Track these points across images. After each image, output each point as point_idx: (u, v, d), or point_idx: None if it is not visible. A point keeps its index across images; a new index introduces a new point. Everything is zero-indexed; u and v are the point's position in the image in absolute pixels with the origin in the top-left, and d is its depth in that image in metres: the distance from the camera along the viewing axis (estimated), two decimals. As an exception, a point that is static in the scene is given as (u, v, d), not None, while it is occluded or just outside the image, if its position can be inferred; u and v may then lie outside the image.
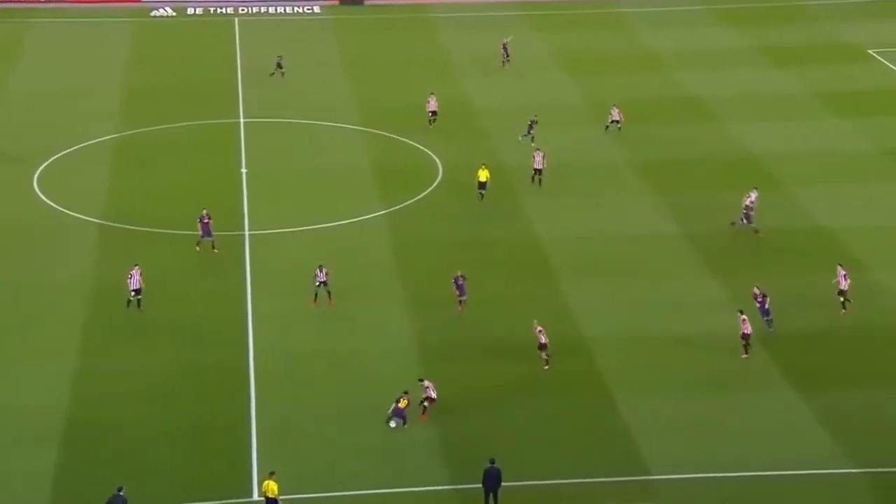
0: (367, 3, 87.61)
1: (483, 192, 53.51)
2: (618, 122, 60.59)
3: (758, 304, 42.56)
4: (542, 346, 40.88)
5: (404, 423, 37.74)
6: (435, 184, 56.16)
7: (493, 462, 34.84)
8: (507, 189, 54.88)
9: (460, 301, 44.52)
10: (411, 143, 60.95)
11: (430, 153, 59.58)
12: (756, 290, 42.96)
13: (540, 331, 41.00)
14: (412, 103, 65.38)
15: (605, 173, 56.83)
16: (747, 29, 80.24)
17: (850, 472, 35.70)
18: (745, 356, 41.19)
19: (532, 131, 59.03)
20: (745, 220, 49.90)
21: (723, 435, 37.64)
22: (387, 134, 62.21)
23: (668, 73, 71.36)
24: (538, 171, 54.66)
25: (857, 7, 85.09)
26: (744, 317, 41.30)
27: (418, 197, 54.64)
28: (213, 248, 49.02)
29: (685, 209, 53.10)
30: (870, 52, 74.44)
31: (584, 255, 49.17)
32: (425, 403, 38.27)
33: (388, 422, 37.88)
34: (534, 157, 54.98)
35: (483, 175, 53.77)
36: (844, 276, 44.10)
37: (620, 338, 42.97)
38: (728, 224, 50.72)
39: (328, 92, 68.67)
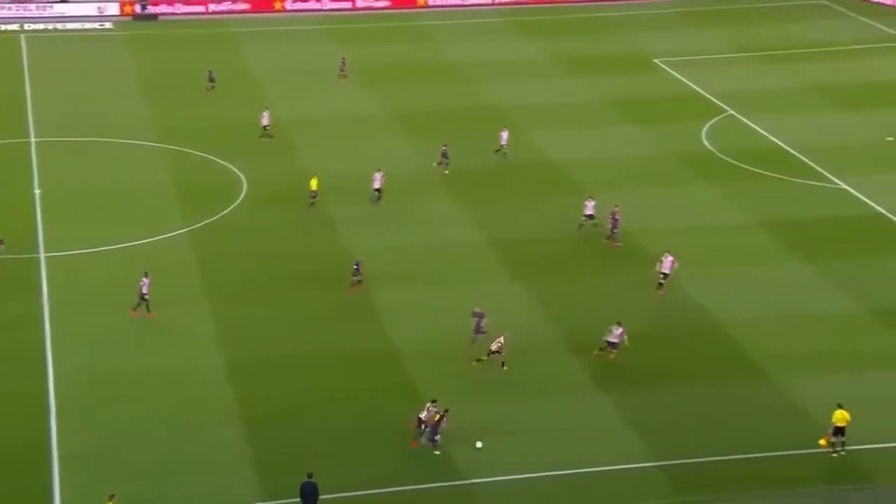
0: (161, 18, 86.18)
1: (314, 200, 53.72)
2: (505, 146, 60.06)
3: (475, 322, 42.88)
4: (496, 352, 41.38)
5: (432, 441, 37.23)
6: (239, 199, 55.64)
7: (310, 476, 34.77)
8: (319, 202, 54.89)
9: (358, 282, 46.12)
10: (214, 159, 60.24)
11: (233, 169, 59.01)
12: (476, 310, 43.22)
13: (499, 342, 41.44)
14: (213, 119, 64.56)
15: (414, 184, 57.40)
16: (544, 40, 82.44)
17: (649, 466, 36.97)
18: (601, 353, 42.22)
19: (447, 159, 58.37)
20: (613, 231, 50.93)
21: (529, 437, 38.40)
22: (188, 150, 61.31)
23: (469, 84, 72.66)
24: (378, 191, 54.84)
25: (644, 19, 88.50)
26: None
27: (222, 213, 54.04)
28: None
29: (489, 217, 54.13)
30: (655, 61, 77.57)
31: (393, 264, 49.53)
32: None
33: (428, 442, 37.24)
34: (374, 177, 55.06)
35: (314, 184, 54.01)
36: (671, 262, 46.17)
37: (429, 347, 43.45)
38: (576, 227, 51.92)
39: (124, 109, 67.24)
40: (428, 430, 37.41)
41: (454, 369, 42.10)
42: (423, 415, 37.91)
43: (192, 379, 41.31)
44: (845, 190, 57.00)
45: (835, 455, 37.24)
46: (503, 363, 41.74)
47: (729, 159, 60.84)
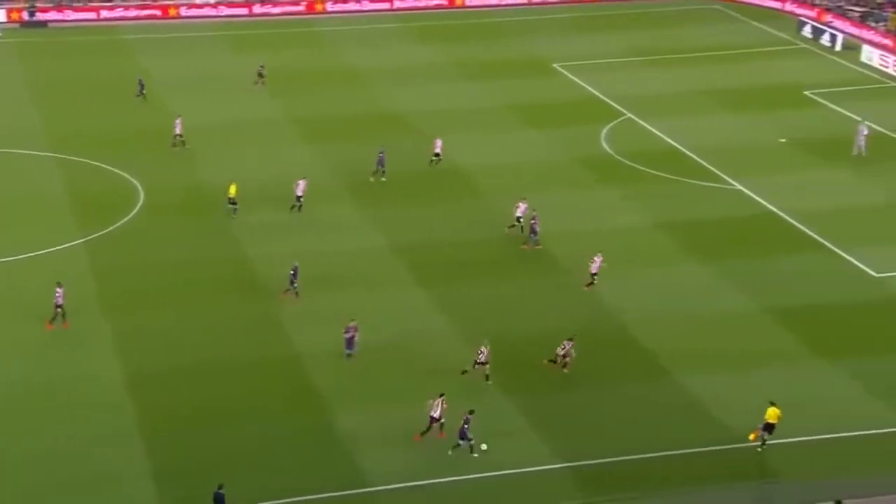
0: (50, 25, 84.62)
1: (234, 206, 53.58)
2: (439, 155, 60.08)
3: (348, 336, 42.78)
4: (482, 363, 41.23)
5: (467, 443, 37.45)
6: (136, 209, 54.91)
7: (220, 487, 34.48)
8: (213, 211, 54.39)
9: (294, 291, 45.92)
10: (109, 168, 59.34)
11: (129, 178, 58.20)
12: (350, 323, 42.99)
13: (481, 352, 41.26)
14: (109, 128, 63.60)
15: (311, 190, 57.20)
16: (443, 45, 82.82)
17: (557, 468, 37.37)
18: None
19: (382, 166, 58.38)
20: (532, 235, 51.27)
21: (438, 442, 38.53)
22: (82, 160, 60.30)
23: (369, 89, 72.68)
24: (299, 199, 54.59)
25: (542, 24, 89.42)
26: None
27: (119, 223, 53.27)
28: None
29: (392, 223, 54.21)
30: (555, 66, 78.45)
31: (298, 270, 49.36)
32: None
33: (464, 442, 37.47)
34: (297, 184, 54.76)
35: (233, 190, 53.80)
36: (599, 261, 47.62)
37: (336, 352, 43.35)
38: (506, 229, 52.37)
39: (13, 118, 65.91)
40: (463, 439, 37.47)
41: (359, 375, 42.07)
42: (435, 413, 37.92)
43: (91, 392, 40.64)
44: (740, 191, 58.27)
45: (760, 450, 37.97)
46: (487, 376, 41.55)
47: (628, 162, 61.78)
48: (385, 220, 54.50)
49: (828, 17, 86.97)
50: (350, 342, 42.57)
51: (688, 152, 62.79)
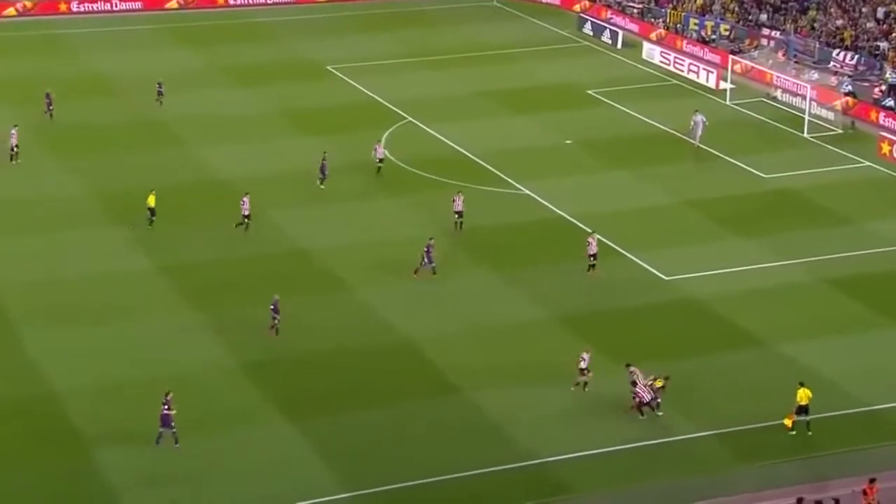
0: None
1: (153, 218, 53.25)
2: (382, 160, 60.37)
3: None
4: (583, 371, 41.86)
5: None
6: None
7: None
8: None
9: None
10: None
11: None
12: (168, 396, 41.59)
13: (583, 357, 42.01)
14: None
15: (65, 209, 55.14)
16: (204, 49, 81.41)
17: (343, 498, 36.74)
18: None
19: (323, 174, 58.31)
20: (427, 263, 50.21)
21: (222, 476, 37.57)
22: None
23: (123, 97, 70.66)
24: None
25: (312, 24, 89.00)
26: None
27: None
28: None
29: (156, 242, 52.74)
30: (329, 68, 78.11)
31: (42, 299, 47.28)
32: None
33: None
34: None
35: (151, 200, 52.71)
36: (594, 243, 50.11)
37: (97, 388, 41.72)
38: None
39: None
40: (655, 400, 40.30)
41: (122, 411, 40.60)
42: (645, 397, 40.10)
43: None
44: (528, 195, 59.16)
45: (793, 433, 39.42)
46: (585, 384, 41.97)
47: (411, 168, 61.91)
48: (147, 239, 52.92)
49: (608, 14, 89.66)
50: (166, 419, 39.03)
51: (473, 157, 63.38)
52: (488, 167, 62.37)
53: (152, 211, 53.58)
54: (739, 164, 63.24)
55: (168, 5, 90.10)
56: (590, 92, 74.76)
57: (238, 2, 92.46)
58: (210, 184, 59.32)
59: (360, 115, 69.90)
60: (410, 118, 69.08)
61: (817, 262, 52.25)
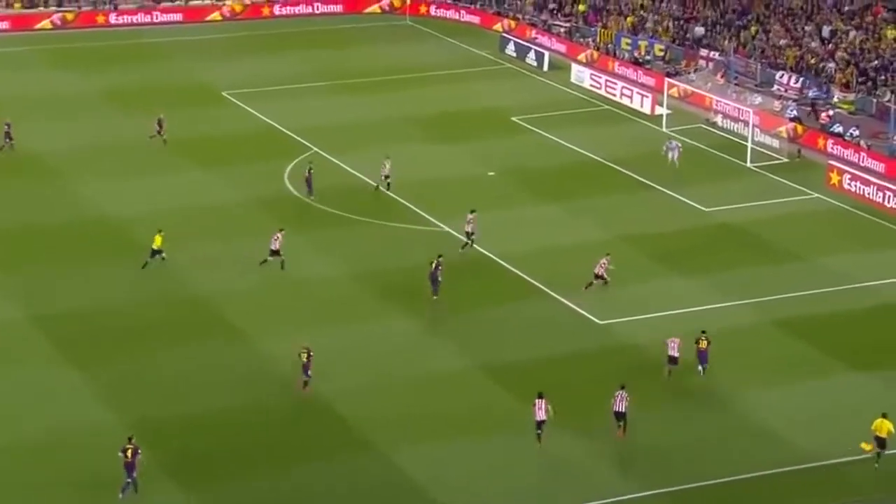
0: None
1: (151, 259, 53.57)
2: (389, 177, 62.71)
3: None
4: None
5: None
6: None
7: None
8: None
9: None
10: None
11: None
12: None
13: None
14: None
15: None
16: (86, 71, 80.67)
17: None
18: None
19: (311, 186, 61.46)
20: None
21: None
22: None
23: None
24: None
25: (205, 44, 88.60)
26: None
27: None
28: None
29: (32, 288, 51.99)
30: (224, 94, 77.74)
31: None
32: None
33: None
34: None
35: (158, 241, 53.58)
36: (605, 262, 52.74)
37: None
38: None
39: None
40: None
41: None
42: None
43: None
44: (448, 233, 59.01)
45: (876, 466, 40.93)
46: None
47: (317, 203, 61.58)
48: (21, 285, 52.01)
49: (532, 34, 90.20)
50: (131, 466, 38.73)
51: (388, 192, 63.14)
52: (403, 202, 62.22)
53: (154, 252, 53.30)
54: (678, 196, 63.80)
55: (39, 26, 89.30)
56: (514, 119, 75.12)
57: (121, 21, 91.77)
58: (91, 222, 58.46)
59: (260, 145, 69.59)
60: (317, 148, 68.79)
61: (765, 303, 52.71)
